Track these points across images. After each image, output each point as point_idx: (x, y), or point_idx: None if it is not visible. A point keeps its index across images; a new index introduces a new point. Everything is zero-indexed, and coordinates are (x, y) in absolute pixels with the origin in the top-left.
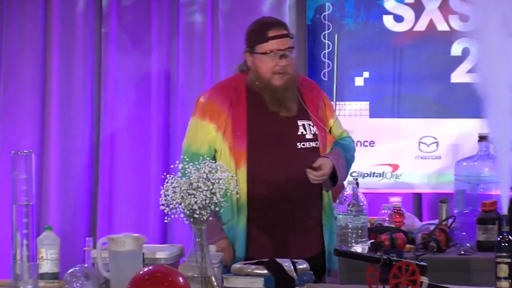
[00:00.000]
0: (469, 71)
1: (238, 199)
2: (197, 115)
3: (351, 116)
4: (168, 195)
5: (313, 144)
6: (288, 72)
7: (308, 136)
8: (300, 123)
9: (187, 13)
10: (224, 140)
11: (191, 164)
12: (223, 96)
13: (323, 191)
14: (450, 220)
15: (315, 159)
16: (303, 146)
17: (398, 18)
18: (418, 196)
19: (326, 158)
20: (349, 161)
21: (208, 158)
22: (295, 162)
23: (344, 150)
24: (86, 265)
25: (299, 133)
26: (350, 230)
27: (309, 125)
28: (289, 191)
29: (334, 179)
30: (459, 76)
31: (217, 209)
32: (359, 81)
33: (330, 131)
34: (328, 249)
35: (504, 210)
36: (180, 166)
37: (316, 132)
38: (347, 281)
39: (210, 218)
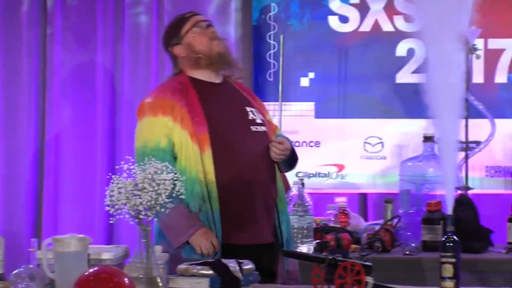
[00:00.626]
0: (414, 72)
1: (207, 182)
2: (146, 115)
3: (296, 117)
4: (114, 195)
5: (263, 128)
6: (222, 38)
7: (258, 121)
8: (248, 109)
9: (133, 14)
10: (183, 129)
11: (136, 165)
12: (170, 91)
13: (277, 176)
14: (395, 220)
15: (266, 141)
16: (256, 129)
17: (343, 19)
18: (364, 196)
19: (283, 137)
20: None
21: (167, 152)
22: (253, 144)
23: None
24: (31, 266)
25: (250, 117)
26: (295, 230)
27: (256, 111)
28: (253, 172)
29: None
30: (404, 76)
31: (162, 210)
32: (304, 82)
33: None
34: (287, 233)
35: (449, 210)
36: (125, 167)
37: (263, 118)
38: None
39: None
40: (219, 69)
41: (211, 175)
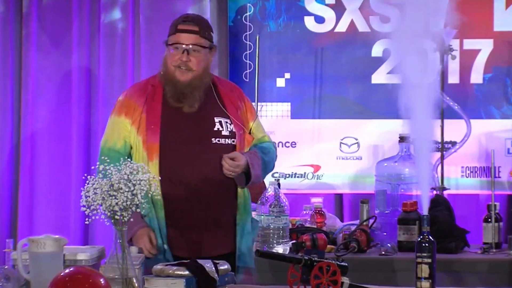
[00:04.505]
0: (390, 72)
1: (157, 194)
2: (114, 113)
3: (272, 117)
4: (89, 196)
5: (229, 141)
6: (191, 68)
7: (225, 133)
8: (217, 119)
9: (108, 14)
10: (138, 135)
11: (112, 165)
12: (139, 93)
13: (238, 190)
14: (371, 221)
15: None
16: (218, 142)
17: (319, 19)
18: (339, 197)
19: (240, 153)
20: (267, 163)
21: (122, 154)
22: (210, 157)
23: (263, 152)
24: (6, 267)
25: (215, 129)
26: (271, 230)
27: (226, 122)
28: (203, 187)
29: (249, 177)
30: (379, 77)
31: (138, 210)
32: (280, 82)
33: (250, 133)
34: (239, 247)
35: (425, 211)
36: (101, 167)
37: (234, 130)
38: (271, 282)
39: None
40: (169, 96)
41: (157, 186)
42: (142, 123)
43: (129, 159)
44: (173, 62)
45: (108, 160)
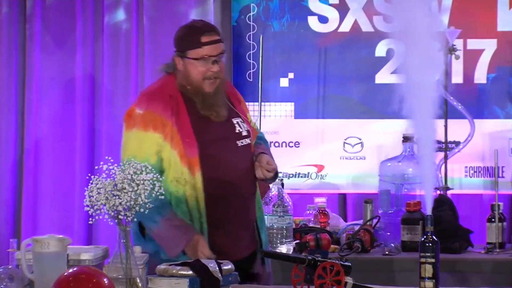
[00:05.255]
0: (394, 72)
1: (197, 203)
2: (136, 127)
3: (276, 117)
4: (93, 196)
5: (248, 140)
6: (219, 77)
7: (244, 133)
8: (234, 121)
9: (112, 14)
10: (173, 149)
11: (115, 165)
12: (161, 105)
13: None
14: (375, 221)
15: (250, 155)
16: (242, 144)
17: (323, 19)
18: (343, 197)
19: (266, 155)
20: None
21: (156, 170)
22: (239, 160)
23: (267, 146)
24: (10, 267)
25: (237, 131)
26: (275, 230)
27: (241, 122)
28: (240, 189)
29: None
30: (383, 77)
31: (142, 210)
32: (284, 82)
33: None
34: (265, 244)
35: (428, 210)
36: (105, 167)
37: (248, 128)
38: (282, 282)
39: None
40: (200, 108)
41: (201, 198)
42: (175, 136)
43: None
44: (202, 75)
45: (112, 160)
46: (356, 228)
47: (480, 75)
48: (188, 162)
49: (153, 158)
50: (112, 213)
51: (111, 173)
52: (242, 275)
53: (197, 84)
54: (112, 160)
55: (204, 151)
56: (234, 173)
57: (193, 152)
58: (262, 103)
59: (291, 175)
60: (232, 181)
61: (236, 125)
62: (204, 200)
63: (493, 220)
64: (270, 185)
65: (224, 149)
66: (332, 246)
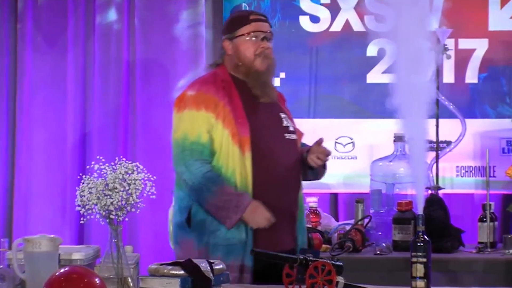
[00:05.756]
0: (385, 72)
1: (245, 184)
2: (188, 108)
3: None
4: (84, 195)
5: (294, 136)
6: (269, 56)
7: (291, 129)
8: (282, 115)
9: (103, 14)
10: (225, 128)
11: (107, 165)
12: (214, 87)
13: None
14: (366, 220)
15: (297, 151)
16: (289, 137)
17: (314, 19)
18: (335, 196)
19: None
20: None
21: (207, 148)
22: (287, 152)
23: None
24: (1, 267)
25: (284, 124)
26: None
27: (287, 118)
28: (285, 180)
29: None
30: (374, 76)
31: (133, 210)
32: (275, 82)
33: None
34: (301, 241)
35: (420, 210)
36: (96, 166)
37: (293, 126)
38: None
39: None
40: (252, 86)
41: (249, 178)
42: (227, 116)
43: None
44: (253, 51)
45: (103, 160)
46: (348, 227)
47: (472, 75)
48: (239, 140)
49: (204, 136)
50: (104, 213)
51: (102, 172)
52: (278, 271)
53: (249, 62)
54: (103, 160)
55: (254, 131)
56: (282, 162)
57: (244, 131)
58: None
59: None
60: (279, 170)
61: (284, 120)
62: (251, 181)
63: (484, 219)
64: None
65: (273, 135)
66: (323, 245)
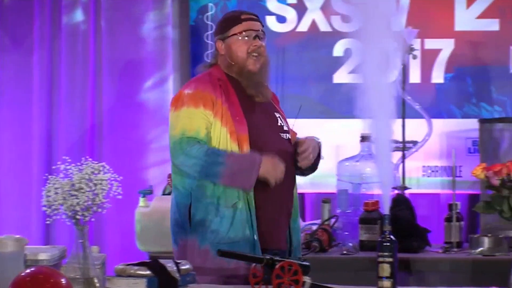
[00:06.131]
0: (351, 72)
1: None
2: (186, 105)
3: None
4: (50, 196)
5: (288, 136)
6: (262, 54)
7: (285, 128)
8: (276, 115)
9: (70, 14)
10: (223, 126)
11: (73, 165)
12: (210, 85)
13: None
14: (333, 220)
15: (292, 150)
16: (284, 137)
17: (281, 19)
18: (301, 196)
19: (311, 139)
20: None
21: (205, 144)
22: (284, 150)
23: None
24: None
25: (279, 124)
26: None
27: (281, 118)
28: (285, 179)
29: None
30: (341, 76)
31: (99, 210)
32: None
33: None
34: (296, 241)
35: (386, 210)
36: (62, 167)
37: (287, 125)
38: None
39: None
40: (245, 86)
41: None
42: (225, 114)
43: None
44: (245, 50)
45: (69, 160)
46: (314, 227)
47: (438, 75)
48: (237, 138)
49: (202, 131)
50: (70, 213)
51: (68, 172)
52: None
53: (241, 61)
54: (69, 160)
55: (252, 129)
56: (280, 158)
57: (243, 129)
58: None
59: None
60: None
61: (278, 119)
62: None
63: (450, 219)
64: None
65: (270, 134)
66: None
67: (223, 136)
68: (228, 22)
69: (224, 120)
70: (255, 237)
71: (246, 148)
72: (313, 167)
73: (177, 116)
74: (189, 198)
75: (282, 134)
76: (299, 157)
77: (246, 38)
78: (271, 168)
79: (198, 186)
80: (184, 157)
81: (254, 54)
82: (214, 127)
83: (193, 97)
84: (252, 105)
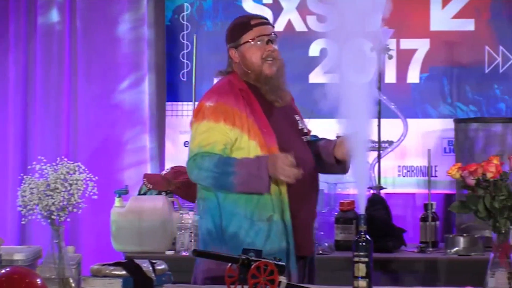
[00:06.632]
0: (327, 72)
1: (280, 194)
2: (207, 119)
3: None
4: (26, 196)
5: (308, 137)
6: (276, 58)
7: (305, 130)
8: (296, 117)
9: (45, 14)
10: (251, 139)
11: (48, 165)
12: (233, 97)
13: None
14: None
15: (311, 153)
16: (305, 139)
17: None
18: None
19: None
20: None
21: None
22: (307, 154)
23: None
24: None
25: (299, 127)
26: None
27: (300, 120)
28: (310, 183)
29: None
30: (317, 76)
31: (75, 210)
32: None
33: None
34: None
35: (362, 210)
36: (37, 167)
37: (306, 126)
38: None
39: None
40: (265, 92)
41: (284, 186)
42: (252, 127)
43: None
44: (260, 56)
45: (45, 160)
46: None
47: (413, 75)
48: (268, 151)
49: (219, 147)
50: (45, 213)
51: (44, 173)
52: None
53: (257, 68)
54: (45, 160)
55: (280, 139)
56: (304, 164)
57: (272, 140)
58: (196, 103)
59: None
60: (306, 171)
61: (298, 122)
62: (286, 189)
63: (426, 219)
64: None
65: (294, 140)
66: None
67: (252, 149)
68: (238, 30)
69: (252, 133)
70: (291, 247)
71: None
72: (345, 167)
73: (196, 129)
74: (219, 209)
75: (303, 137)
76: (336, 146)
77: (259, 43)
78: (279, 166)
79: (229, 199)
80: (198, 171)
81: (269, 59)
82: (240, 141)
83: (214, 110)
84: (274, 111)
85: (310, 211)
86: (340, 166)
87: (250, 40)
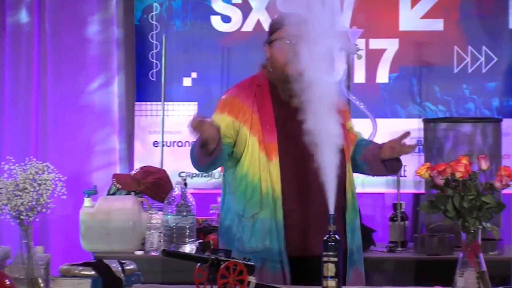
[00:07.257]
0: None
1: (272, 191)
2: (216, 111)
3: (179, 117)
4: None
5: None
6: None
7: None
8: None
9: (14, 13)
10: (252, 134)
11: (17, 165)
12: (245, 92)
13: (347, 188)
14: None
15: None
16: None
17: (226, 19)
18: None
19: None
20: None
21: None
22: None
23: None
24: None
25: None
26: (178, 230)
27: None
28: (318, 185)
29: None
30: None
31: (44, 210)
32: (187, 82)
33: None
34: (352, 244)
35: (331, 210)
36: (6, 167)
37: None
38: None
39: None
40: (282, 91)
41: (277, 185)
42: (255, 123)
43: None
44: (282, 56)
45: (13, 160)
46: None
47: (382, 75)
48: (265, 147)
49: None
50: (14, 213)
51: (12, 173)
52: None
53: (280, 66)
54: (13, 160)
55: (283, 136)
56: (310, 166)
57: (271, 138)
58: (165, 103)
59: (194, 175)
60: (310, 175)
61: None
62: (280, 188)
63: (395, 219)
64: (173, 185)
65: (301, 140)
66: None
67: (251, 145)
68: (272, 27)
69: (253, 129)
70: (281, 247)
71: (275, 157)
72: (393, 167)
73: None
74: (223, 203)
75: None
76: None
77: (287, 42)
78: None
79: (229, 194)
80: (191, 159)
81: (291, 61)
82: (241, 134)
83: (223, 103)
84: (288, 111)
85: (314, 212)
86: (388, 169)
87: (279, 39)
